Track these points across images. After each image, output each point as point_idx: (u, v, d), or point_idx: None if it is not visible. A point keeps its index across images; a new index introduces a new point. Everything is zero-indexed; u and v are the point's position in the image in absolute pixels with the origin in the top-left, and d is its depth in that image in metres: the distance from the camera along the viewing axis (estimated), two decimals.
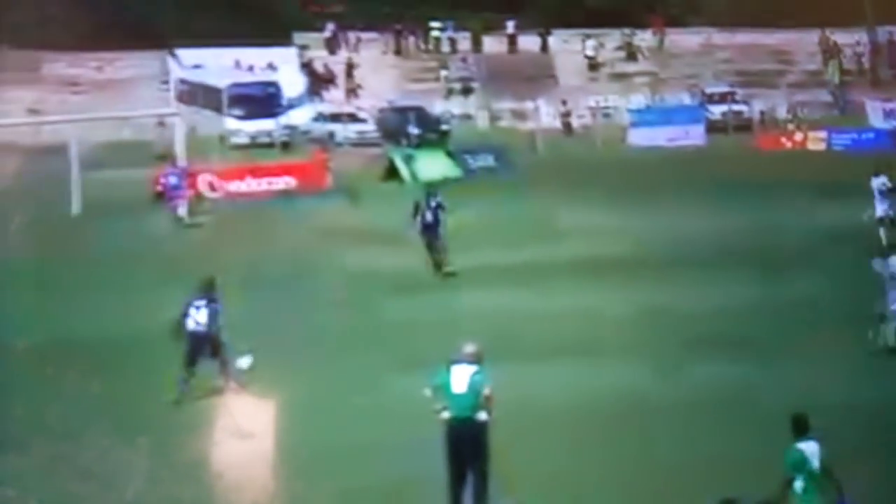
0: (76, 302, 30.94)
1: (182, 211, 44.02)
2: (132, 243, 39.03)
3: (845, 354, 23.93)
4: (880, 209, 35.38)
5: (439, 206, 33.41)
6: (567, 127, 71.95)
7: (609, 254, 35.08)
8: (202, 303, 22.84)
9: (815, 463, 14.98)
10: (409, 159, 56.02)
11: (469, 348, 17.53)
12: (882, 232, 34.59)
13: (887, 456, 18.45)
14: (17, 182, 47.39)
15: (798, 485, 14.87)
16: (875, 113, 69.43)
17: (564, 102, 73.33)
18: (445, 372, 17.34)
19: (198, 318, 22.69)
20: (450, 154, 58.51)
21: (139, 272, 33.74)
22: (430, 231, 33.09)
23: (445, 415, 17.18)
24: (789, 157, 59.39)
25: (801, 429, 15.26)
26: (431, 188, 34.53)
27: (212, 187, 50.12)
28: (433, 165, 55.99)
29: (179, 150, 48.12)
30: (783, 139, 64.98)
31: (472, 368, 17.30)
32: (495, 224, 41.22)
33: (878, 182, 35.58)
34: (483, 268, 33.56)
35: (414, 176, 54.17)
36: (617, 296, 29.90)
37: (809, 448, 15.10)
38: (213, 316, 22.74)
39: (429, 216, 33.07)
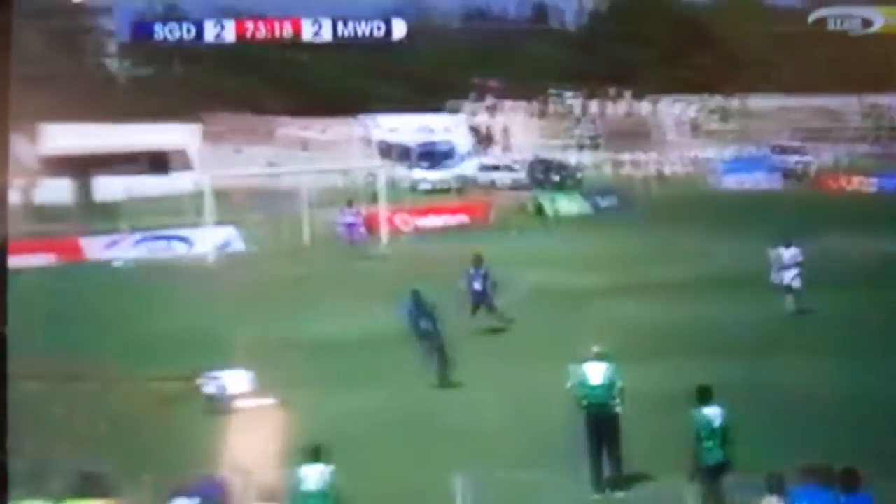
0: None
1: (363, 244, 43.14)
2: (337, 268, 39.41)
3: None
4: (787, 277, 29.16)
5: (486, 275, 28.67)
6: (660, 174, 71.38)
7: (708, 273, 34.65)
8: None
9: (717, 423, 15.52)
10: (552, 200, 56.25)
11: (596, 349, 17.55)
12: (789, 299, 29.10)
13: None
14: (261, 218, 48.20)
15: (704, 442, 15.48)
16: None
17: (659, 153, 73.62)
18: (582, 369, 17.35)
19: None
20: (583, 195, 58.66)
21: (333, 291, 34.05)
22: (479, 297, 28.50)
23: (584, 403, 17.19)
24: (847, 198, 58.45)
25: (705, 397, 15.79)
26: (477, 260, 29.12)
27: (404, 223, 50.57)
28: (570, 204, 56.55)
29: (381, 194, 48.69)
30: (843, 183, 64.13)
31: (604, 365, 17.30)
32: (620, 249, 41.04)
33: (790, 253, 29.45)
34: (611, 285, 33.31)
35: (556, 213, 54.59)
36: (719, 307, 29.37)
37: (713, 412, 15.63)
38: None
39: (476, 285, 28.53)
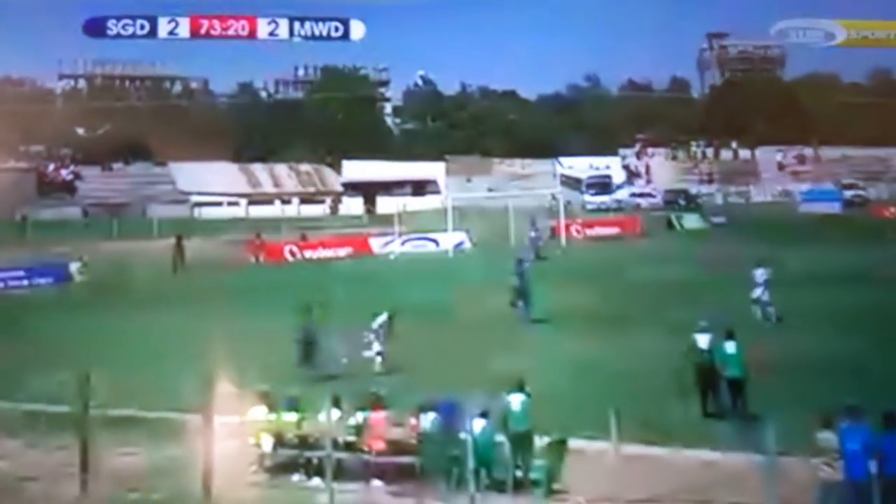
0: None
1: (541, 248, 41.23)
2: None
3: None
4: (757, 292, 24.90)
5: (522, 265, 25.88)
6: (746, 200, 69.30)
7: (788, 273, 31.59)
8: None
9: (731, 351, 16.53)
10: (679, 218, 54.97)
11: (703, 323, 17.18)
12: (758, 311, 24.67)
13: None
14: (482, 228, 48.12)
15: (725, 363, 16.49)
16: None
17: (746, 184, 71.24)
18: (694, 337, 17.10)
19: None
20: (701, 215, 57.10)
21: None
22: (521, 284, 25.50)
23: (695, 361, 16.95)
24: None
25: (730, 336, 16.86)
26: (519, 261, 26.60)
27: (577, 231, 49.40)
28: (692, 221, 55.06)
29: (561, 212, 48.12)
30: (891, 210, 59.39)
31: (708, 335, 17.14)
32: (727, 254, 37.68)
33: (760, 272, 25.06)
34: (720, 279, 31.10)
35: (682, 227, 53.48)
36: (799, 294, 26.81)
37: (730, 345, 16.62)
38: None
39: (515, 280, 25.66)
